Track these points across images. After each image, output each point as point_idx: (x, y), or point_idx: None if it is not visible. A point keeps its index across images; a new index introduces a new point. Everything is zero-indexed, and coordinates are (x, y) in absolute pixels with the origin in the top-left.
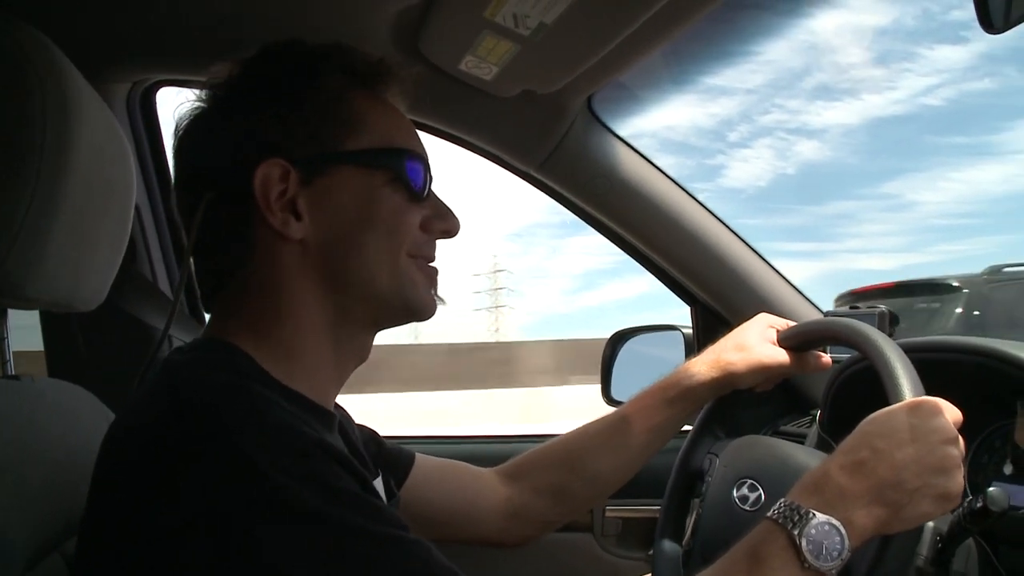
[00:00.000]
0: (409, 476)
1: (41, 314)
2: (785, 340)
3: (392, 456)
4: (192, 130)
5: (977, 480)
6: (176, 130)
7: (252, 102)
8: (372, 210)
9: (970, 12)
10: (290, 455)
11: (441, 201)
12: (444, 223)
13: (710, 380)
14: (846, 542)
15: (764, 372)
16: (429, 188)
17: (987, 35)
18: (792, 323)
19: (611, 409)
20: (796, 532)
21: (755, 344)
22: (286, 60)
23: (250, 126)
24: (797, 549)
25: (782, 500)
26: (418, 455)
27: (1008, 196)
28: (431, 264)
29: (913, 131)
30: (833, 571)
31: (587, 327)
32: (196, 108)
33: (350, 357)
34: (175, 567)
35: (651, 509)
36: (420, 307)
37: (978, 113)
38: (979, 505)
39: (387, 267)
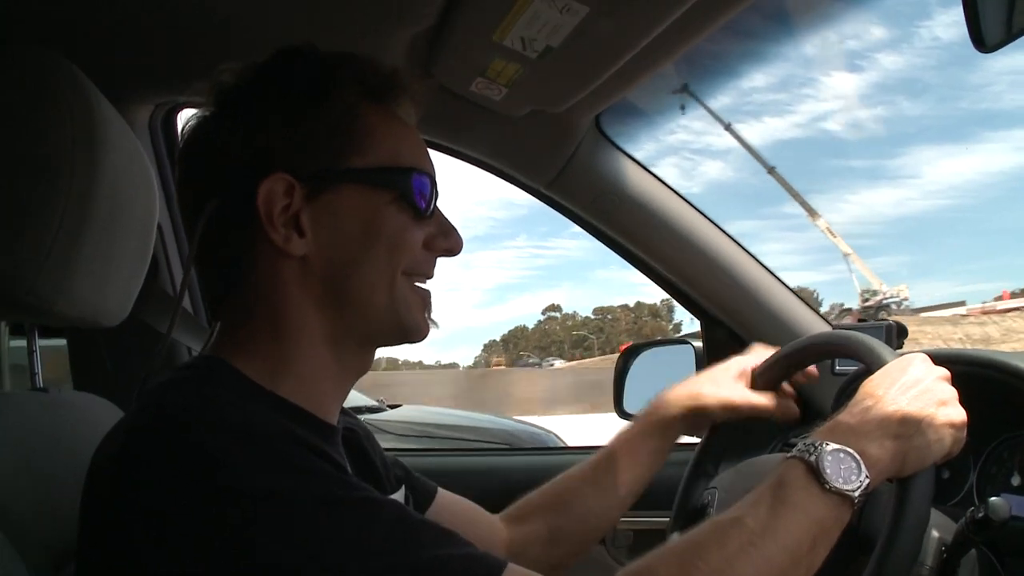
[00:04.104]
0: (430, 507)
1: (67, 329)
2: (760, 377)
3: (417, 484)
4: (198, 137)
5: (985, 491)
6: (182, 135)
7: (260, 111)
8: (376, 229)
9: (864, 42)
10: (249, 449)
11: (445, 218)
12: (447, 241)
13: (683, 410)
14: (862, 467)
15: (732, 409)
16: (434, 206)
17: (878, 66)
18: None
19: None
20: (814, 459)
21: (726, 382)
22: (297, 68)
23: (256, 137)
24: (817, 473)
25: (799, 441)
26: (440, 490)
27: (901, 218)
28: (425, 286)
29: (813, 154)
30: (855, 495)
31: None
32: (203, 114)
33: (349, 371)
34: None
35: (663, 521)
36: (412, 329)
37: (873, 139)
38: (981, 515)
39: (384, 286)
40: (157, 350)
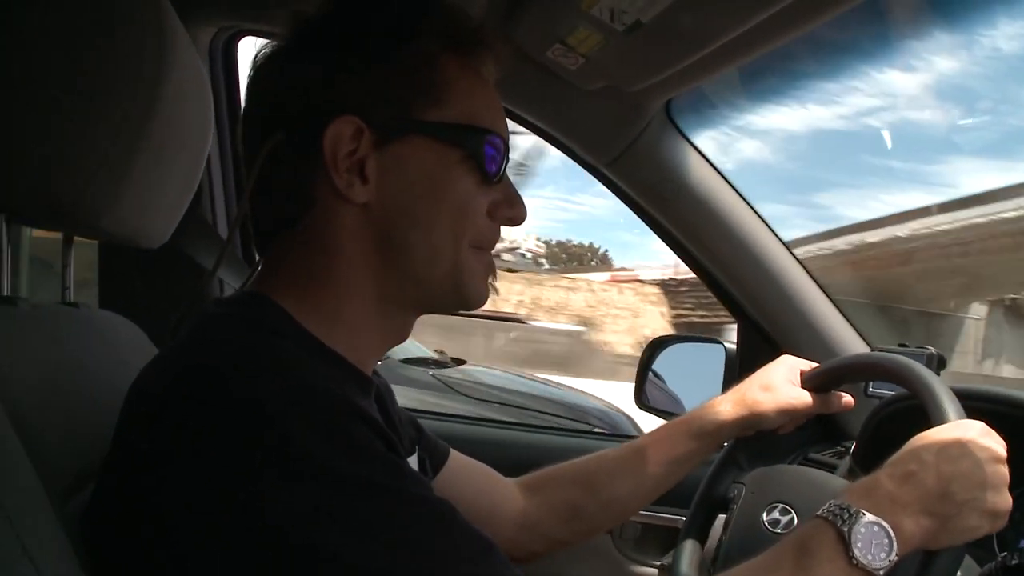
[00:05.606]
0: (442, 469)
1: (99, 246)
2: (810, 381)
3: (430, 445)
4: (271, 66)
5: (1007, 536)
6: (254, 62)
7: (338, 48)
8: (441, 188)
9: (924, 42)
10: (311, 412)
11: (512, 186)
12: (511, 210)
13: (736, 418)
14: (894, 544)
15: (789, 413)
16: (503, 172)
17: (934, 68)
18: (814, 364)
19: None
20: (846, 529)
21: (780, 385)
22: (382, 9)
23: (331, 76)
24: (846, 545)
25: (831, 500)
26: (452, 451)
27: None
28: (491, 252)
29: (852, 148)
30: (880, 572)
31: None
32: (279, 43)
33: (391, 334)
34: (179, 533)
35: (672, 517)
36: (474, 298)
37: (915, 142)
38: (1014, 562)
39: (449, 254)
40: (202, 284)
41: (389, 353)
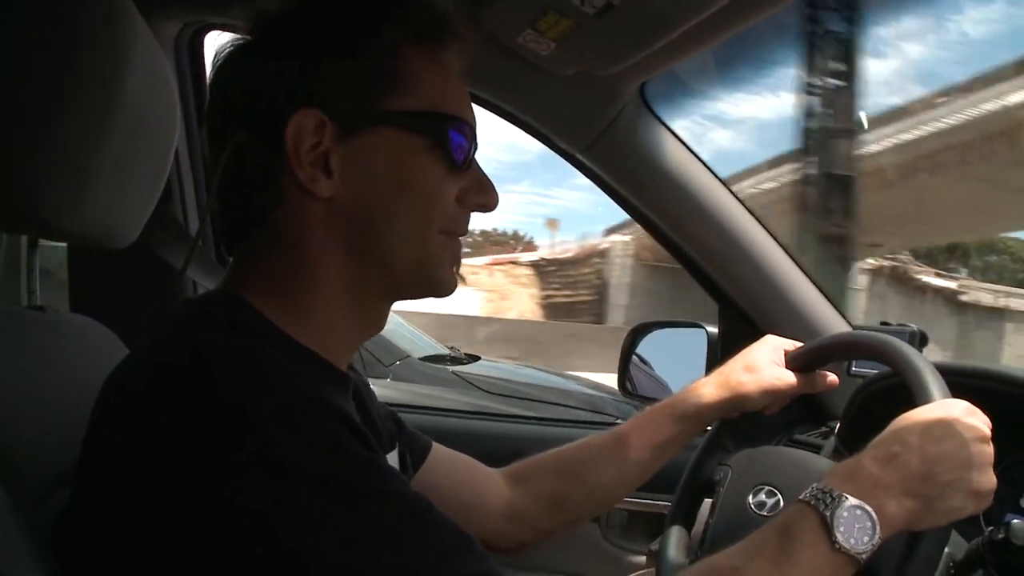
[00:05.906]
0: (424, 463)
1: (68, 247)
2: (794, 360)
3: (411, 440)
4: (231, 62)
5: (993, 511)
6: (215, 59)
7: (298, 43)
8: (407, 177)
9: (893, 29)
10: (294, 417)
11: (482, 172)
12: (482, 197)
13: (719, 400)
14: (877, 528)
15: (773, 394)
16: (471, 158)
17: (903, 54)
18: (798, 344)
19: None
20: (828, 513)
21: (764, 366)
22: (343, 2)
23: (291, 69)
24: (828, 529)
25: (814, 484)
26: (434, 444)
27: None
28: (459, 238)
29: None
30: (863, 556)
31: None
32: (239, 40)
33: (366, 325)
34: (157, 527)
35: (658, 504)
36: (441, 284)
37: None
38: (1000, 536)
39: (415, 241)
40: (173, 285)
41: (409, 351)
